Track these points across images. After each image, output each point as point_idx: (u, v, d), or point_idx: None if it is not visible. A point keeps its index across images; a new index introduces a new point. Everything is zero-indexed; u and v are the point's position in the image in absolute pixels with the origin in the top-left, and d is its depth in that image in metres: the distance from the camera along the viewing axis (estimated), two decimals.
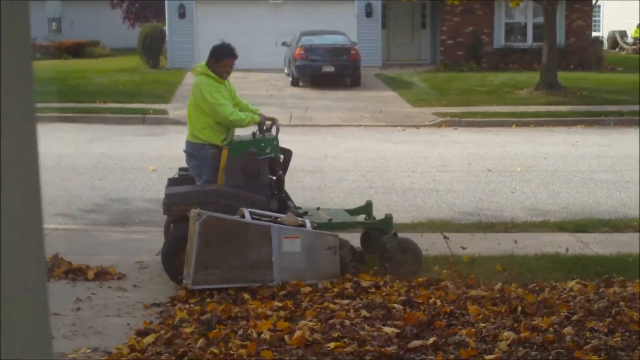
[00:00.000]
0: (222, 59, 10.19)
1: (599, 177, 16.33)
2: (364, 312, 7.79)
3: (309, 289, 8.76)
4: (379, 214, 13.31)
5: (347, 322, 7.48)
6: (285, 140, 20.85)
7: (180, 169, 10.58)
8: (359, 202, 14.17)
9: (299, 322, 7.55)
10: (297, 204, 12.13)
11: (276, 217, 9.36)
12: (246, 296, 8.49)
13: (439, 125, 24.28)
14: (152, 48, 38.92)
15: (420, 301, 8.14)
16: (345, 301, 8.25)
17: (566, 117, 25.14)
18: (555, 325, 7.31)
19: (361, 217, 10.36)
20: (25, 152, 2.06)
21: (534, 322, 7.32)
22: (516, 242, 11.39)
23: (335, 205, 13.74)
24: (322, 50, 32.31)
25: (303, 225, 9.32)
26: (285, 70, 35.04)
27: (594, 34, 43.79)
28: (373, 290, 8.65)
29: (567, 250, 10.74)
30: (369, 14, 39.12)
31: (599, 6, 50.04)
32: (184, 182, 10.17)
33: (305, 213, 10.06)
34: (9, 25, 1.97)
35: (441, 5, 37.85)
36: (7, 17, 1.96)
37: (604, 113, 25.52)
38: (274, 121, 10.40)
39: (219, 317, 7.72)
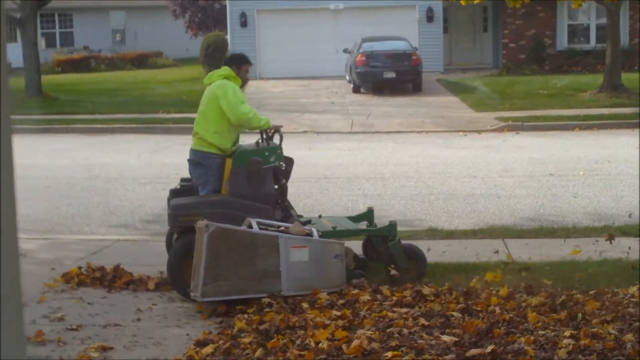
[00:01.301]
0: (242, 64, 10.34)
1: None
2: (422, 321, 7.76)
3: (367, 297, 8.75)
4: (439, 221, 13.32)
5: (405, 331, 7.45)
6: (347, 147, 21.01)
7: (182, 180, 10.51)
8: (420, 209, 14.18)
9: (357, 331, 7.55)
10: (354, 212, 12.16)
11: (282, 227, 9.33)
12: (304, 305, 8.50)
13: (501, 129, 24.15)
14: (214, 57, 39.15)
15: (479, 309, 8.10)
16: (404, 309, 8.22)
17: (630, 119, 24.83)
18: (616, 332, 7.22)
19: (364, 224, 10.39)
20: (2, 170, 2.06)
21: (594, 330, 7.24)
22: (577, 247, 11.27)
23: (396, 212, 13.73)
24: (384, 56, 32.30)
25: (310, 235, 9.29)
26: (347, 77, 35.07)
27: None
28: (432, 298, 8.62)
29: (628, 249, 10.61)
30: (430, 18, 39.02)
31: None
32: (186, 192, 10.13)
33: (309, 222, 10.02)
34: None
35: (503, 8, 37.64)
36: None
37: None
38: (278, 129, 10.36)
39: (277, 327, 7.73)
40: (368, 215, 10.62)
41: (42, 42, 47.41)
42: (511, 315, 7.77)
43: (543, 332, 7.28)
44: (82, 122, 26.35)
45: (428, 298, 8.60)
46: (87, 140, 23.47)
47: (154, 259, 10.97)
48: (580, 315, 7.68)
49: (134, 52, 49.83)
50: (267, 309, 8.41)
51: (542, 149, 20.47)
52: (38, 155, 20.48)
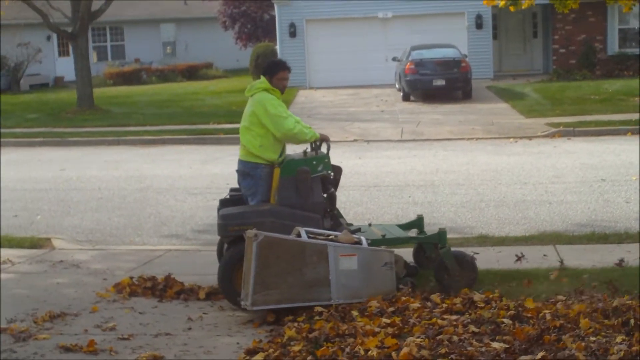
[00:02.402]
0: (277, 72, 10.20)
1: None
2: (472, 328, 7.73)
3: (417, 304, 8.73)
4: (490, 228, 13.27)
5: (455, 338, 7.42)
6: (396, 155, 20.99)
7: (232, 190, 10.51)
8: (471, 216, 14.13)
9: (406, 338, 7.54)
10: (405, 220, 12.13)
11: (331, 235, 9.33)
12: (354, 313, 8.51)
13: (551, 135, 24.00)
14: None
15: (529, 315, 8.05)
16: (454, 317, 8.19)
17: None
18: None
19: (413, 232, 10.35)
20: None
21: None
22: (629, 252, 11.18)
23: (447, 220, 13.71)
24: (433, 64, 32.25)
25: (359, 243, 9.27)
26: (396, 85, 35.06)
27: None
28: (482, 305, 8.59)
29: None
30: (479, 25, 38.89)
31: None
32: (235, 202, 10.14)
33: (358, 230, 10.02)
34: None
35: (552, 13, 37.41)
36: None
37: None
38: (326, 139, 10.31)
39: (327, 335, 7.74)
40: (418, 222, 10.58)
41: (93, 56, 47.89)
42: (562, 322, 7.71)
43: (594, 339, 7.22)
44: (134, 133, 26.55)
45: (478, 305, 8.56)
46: (138, 152, 23.66)
47: (205, 269, 11.04)
48: (632, 321, 7.61)
49: (184, 63, 50.15)
50: (317, 317, 8.43)
51: (594, 154, 20.32)
52: (91, 167, 20.68)
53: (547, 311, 8.09)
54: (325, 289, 8.95)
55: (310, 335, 7.75)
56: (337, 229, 9.73)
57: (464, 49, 36.26)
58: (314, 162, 9.93)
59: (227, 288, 9.46)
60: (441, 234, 9.95)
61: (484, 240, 12.30)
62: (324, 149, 10.31)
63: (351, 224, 10.54)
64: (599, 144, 22.16)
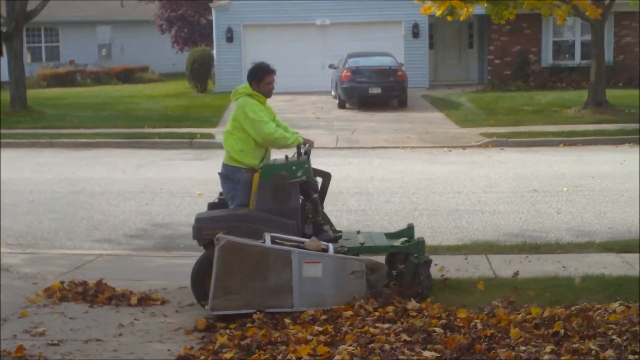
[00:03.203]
0: (264, 76, 10.17)
1: None
2: (404, 336, 7.77)
3: (350, 312, 8.75)
4: (423, 236, 13.28)
5: (387, 347, 7.46)
6: (332, 162, 21.01)
7: (221, 194, 10.58)
8: (404, 225, 14.17)
9: (338, 346, 7.55)
10: (341, 227, 12.13)
11: (300, 242, 9.31)
12: (287, 321, 8.50)
13: (485, 145, 24.21)
14: (200, 72, 39.25)
15: (461, 324, 8.11)
16: (386, 325, 8.23)
17: (614, 135, 24.94)
18: (597, 348, 7.24)
19: (401, 241, 10.20)
20: None
21: (575, 346, 7.26)
22: (561, 264, 11.30)
23: (380, 227, 13.74)
24: (369, 72, 32.35)
25: (325, 250, 9.24)
26: (333, 93, 35.12)
27: None
28: (414, 314, 8.63)
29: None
30: (416, 34, 39.14)
31: None
32: (224, 206, 10.14)
33: (340, 237, 9.99)
34: None
35: (488, 24, 37.76)
36: None
37: None
38: (309, 144, 10.30)
39: (259, 342, 7.74)
40: (408, 231, 10.37)
41: (27, 56, 47.33)
42: (493, 331, 7.78)
43: (524, 348, 7.30)
44: (68, 136, 26.27)
45: (410, 314, 8.60)
46: (72, 155, 23.43)
47: (137, 274, 10.96)
48: (562, 331, 7.70)
49: (120, 66, 49.80)
50: (249, 325, 8.41)
51: (526, 165, 20.53)
52: (23, 170, 20.43)
53: (478, 320, 8.15)
54: (288, 296, 8.92)
55: (243, 343, 7.73)
56: (320, 236, 9.69)
57: (400, 57, 36.48)
58: (294, 168, 9.85)
59: (199, 291, 9.44)
60: (419, 243, 9.86)
61: None
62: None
63: (340, 231, 10.48)
64: (532, 154, 22.40)
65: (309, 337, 7.82)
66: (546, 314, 8.36)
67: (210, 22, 42.73)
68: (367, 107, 32.38)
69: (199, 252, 12.40)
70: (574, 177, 18.40)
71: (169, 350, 8.06)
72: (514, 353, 7.15)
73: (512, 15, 28.36)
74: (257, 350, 7.55)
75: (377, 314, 8.69)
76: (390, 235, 10.44)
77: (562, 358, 7.02)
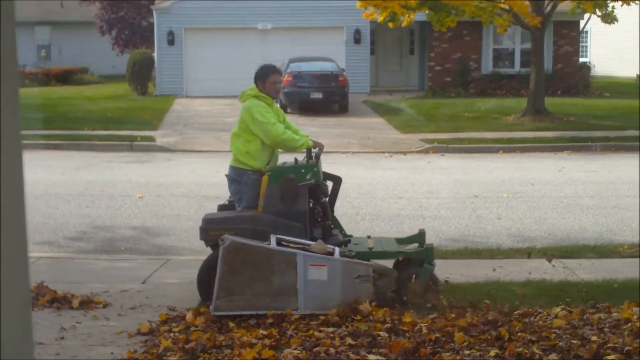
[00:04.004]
0: (269, 75, 10.18)
1: (585, 202, 16.37)
2: (349, 340, 7.78)
3: (297, 316, 8.74)
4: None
5: (332, 350, 7.46)
6: None
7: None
8: (346, 229, 14.16)
9: (283, 350, 7.54)
10: None
11: (306, 245, 9.27)
12: (231, 324, 8.47)
13: (426, 151, 24.34)
14: (141, 75, 39.00)
15: (405, 329, 8.14)
16: (331, 329, 8.24)
17: (553, 142, 25.22)
18: (540, 352, 7.30)
19: (413, 246, 10.04)
20: (12, 182, 2.06)
21: (519, 349, 7.32)
22: (501, 267, 11.39)
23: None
24: (311, 76, 32.39)
25: (331, 254, 9.18)
26: None
27: (581, 59, 43.97)
28: (359, 317, 8.64)
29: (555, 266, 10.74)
30: (357, 40, 39.25)
31: (587, 32, 50.28)
32: (233, 208, 10.11)
33: (348, 241, 9.90)
34: None
35: (429, 31, 37.98)
36: None
37: (590, 139, 25.62)
38: (319, 147, 10.25)
39: (203, 346, 7.70)
40: (419, 237, 10.27)
41: None
42: (437, 335, 7.82)
43: (469, 352, 7.34)
44: None
45: (355, 318, 8.61)
46: None
47: (78, 277, 10.86)
48: (506, 336, 7.76)
49: (59, 67, 49.34)
50: (193, 328, 8.36)
51: (467, 171, 20.67)
52: None
53: (423, 325, 8.19)
54: (292, 298, 8.89)
55: (187, 346, 7.69)
56: (329, 239, 9.63)
57: (342, 63, 36.56)
58: (302, 171, 9.81)
59: (204, 291, 9.44)
60: (428, 250, 9.80)
61: None
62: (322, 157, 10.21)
63: (350, 235, 10.42)
64: (472, 160, 22.57)
65: (254, 341, 7.80)
66: (490, 318, 8.42)
67: (152, 24, 42.48)
68: (308, 111, 32.40)
69: (140, 256, 12.40)
70: (513, 183, 18.57)
71: (112, 353, 7.99)
72: (458, 357, 7.19)
73: (453, 23, 28.57)
74: (201, 354, 7.52)
75: (322, 317, 8.70)
76: (401, 241, 10.32)
77: None
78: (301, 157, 10.26)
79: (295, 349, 7.55)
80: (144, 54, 40.38)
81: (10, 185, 2.05)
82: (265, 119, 9.81)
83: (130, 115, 31.02)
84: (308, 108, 32.60)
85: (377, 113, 32.54)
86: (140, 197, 16.51)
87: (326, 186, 10.19)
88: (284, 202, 9.67)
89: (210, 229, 9.59)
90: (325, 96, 32.36)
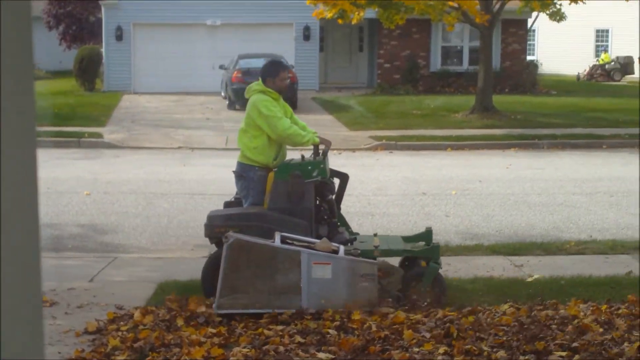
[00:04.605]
0: (279, 72, 10.16)
1: (533, 200, 16.50)
2: (298, 338, 7.77)
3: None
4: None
5: (282, 348, 7.45)
6: (222, 163, 20.92)
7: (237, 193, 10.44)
8: None
9: (233, 348, 7.52)
10: None
11: (310, 243, 9.21)
12: (180, 323, 8.43)
13: (375, 148, 24.39)
14: (89, 70, 38.67)
15: (354, 327, 8.14)
16: (280, 327, 8.23)
17: (501, 140, 25.40)
18: (489, 349, 7.34)
19: (421, 244, 9.99)
20: (25, 177, 2.05)
21: (467, 346, 7.35)
22: (449, 265, 11.44)
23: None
24: (260, 73, 32.23)
25: (336, 252, 9.12)
26: (222, 94, 34.97)
27: (528, 57, 44.34)
28: (308, 316, 8.64)
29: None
30: (306, 37, 39.25)
31: (534, 30, 50.68)
32: (239, 205, 10.07)
33: (354, 239, 9.81)
34: (10, 45, 1.95)
35: (378, 29, 38.06)
36: (8, 37, 1.94)
37: (537, 136, 25.83)
38: (326, 144, 10.17)
39: (152, 345, 7.65)
40: (426, 235, 10.20)
41: None
42: (387, 333, 7.83)
43: (418, 349, 7.37)
44: None
45: (304, 316, 8.61)
46: None
47: None
48: (454, 333, 7.79)
49: None
50: (142, 327, 8.31)
51: (415, 168, 20.75)
52: None
53: (372, 322, 8.20)
54: (295, 297, 8.84)
55: (135, 345, 7.64)
56: (335, 237, 9.55)
57: (291, 59, 36.48)
58: (309, 168, 9.70)
59: (208, 289, 9.37)
60: (434, 248, 9.74)
61: None
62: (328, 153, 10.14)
63: (357, 233, 10.34)
64: (420, 158, 22.66)
65: (203, 339, 7.77)
66: (438, 315, 8.46)
67: (100, 19, 42.19)
68: None
69: (87, 254, 12.30)
70: (462, 180, 18.66)
71: (59, 352, 7.92)
72: (407, 354, 7.21)
73: (402, 20, 28.64)
74: (150, 353, 7.47)
75: (271, 316, 8.68)
76: (408, 239, 10.23)
77: (455, 359, 7.10)
78: (307, 153, 10.23)
79: (244, 347, 7.54)
80: (92, 49, 40.06)
81: (24, 183, 2.04)
82: (271, 113, 9.77)
83: (78, 111, 30.77)
84: None
85: (326, 110, 32.55)
86: (88, 194, 16.39)
87: (333, 183, 10.13)
88: (290, 199, 9.58)
89: (215, 226, 9.52)
90: None
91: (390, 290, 9.33)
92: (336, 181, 10.38)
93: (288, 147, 10.27)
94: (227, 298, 8.72)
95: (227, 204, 10.28)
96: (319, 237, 9.52)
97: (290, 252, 8.94)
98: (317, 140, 9.98)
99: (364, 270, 9.08)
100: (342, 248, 9.21)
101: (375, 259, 9.45)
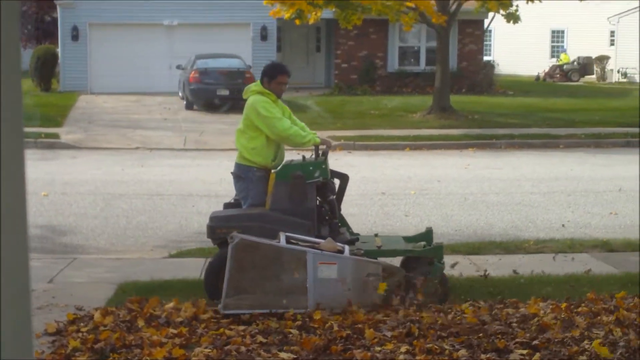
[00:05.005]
0: (277, 75, 10.11)
1: (491, 199, 16.59)
2: (260, 338, 7.75)
3: (208, 315, 8.68)
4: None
5: (243, 349, 7.43)
6: (180, 164, 20.87)
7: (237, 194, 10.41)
8: None
9: (194, 349, 7.49)
10: (191, 230, 12.04)
11: (315, 243, 9.18)
12: (141, 323, 8.37)
13: (333, 148, 24.37)
14: (44, 71, 38.37)
15: (316, 326, 8.14)
16: (242, 327, 8.20)
17: (459, 140, 25.53)
18: (450, 348, 7.37)
19: (420, 245, 9.96)
20: (13, 177, 2.03)
21: (429, 345, 7.38)
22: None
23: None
24: (217, 73, 32.26)
25: (341, 252, 9.09)
26: (180, 94, 34.89)
27: (485, 58, 44.59)
28: (270, 316, 8.63)
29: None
30: (264, 37, 39.23)
31: (490, 31, 50.99)
32: (239, 206, 10.03)
33: (357, 239, 9.78)
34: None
35: (336, 29, 38.12)
36: None
37: (495, 136, 25.98)
38: (327, 144, 10.20)
39: (113, 346, 7.59)
40: (426, 235, 10.21)
41: None
42: (349, 332, 7.84)
43: (380, 348, 7.38)
44: None
45: (266, 315, 8.60)
46: None
47: None
48: (416, 332, 7.82)
49: None
50: (102, 328, 8.25)
51: (374, 168, 20.79)
52: None
53: (334, 321, 8.21)
54: (302, 297, 8.79)
55: (96, 346, 7.58)
56: (337, 238, 9.50)
57: (248, 59, 36.50)
58: (310, 168, 9.68)
59: (211, 290, 9.34)
60: (437, 248, 9.71)
61: None
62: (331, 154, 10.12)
63: (357, 234, 10.30)
64: (379, 158, 22.71)
65: (164, 340, 7.72)
66: (400, 314, 8.48)
67: (55, 19, 41.93)
68: (215, 108, 32.26)
69: (45, 255, 12.19)
70: (420, 180, 18.72)
71: None
72: (369, 353, 7.22)
73: (359, 21, 28.69)
74: (111, 354, 7.42)
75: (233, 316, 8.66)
76: (409, 239, 10.23)
77: (417, 358, 7.12)
78: (308, 154, 10.22)
79: (206, 347, 7.51)
80: (48, 49, 39.77)
81: (12, 184, 2.02)
82: (270, 114, 9.75)
83: (34, 111, 30.52)
84: (214, 105, 32.46)
85: None
86: (45, 195, 16.27)
87: (333, 184, 10.12)
88: (292, 200, 9.56)
89: (218, 227, 9.50)
90: (232, 93, 32.22)
91: (393, 290, 9.28)
92: (336, 182, 10.37)
93: (286, 147, 10.26)
94: (233, 298, 8.70)
95: (227, 206, 10.26)
96: (320, 237, 9.48)
97: (296, 252, 8.92)
98: (318, 140, 10.00)
99: (369, 270, 9.07)
100: (347, 248, 9.22)
101: (376, 259, 9.46)
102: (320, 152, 10.05)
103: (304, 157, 9.98)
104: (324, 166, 9.80)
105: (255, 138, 9.84)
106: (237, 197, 10.16)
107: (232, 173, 10.16)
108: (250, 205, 9.84)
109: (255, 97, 9.96)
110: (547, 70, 51.10)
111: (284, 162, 9.93)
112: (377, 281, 9.03)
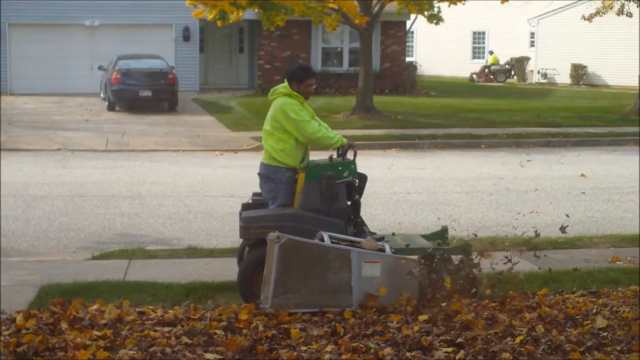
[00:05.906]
0: (306, 78, 10.06)
1: (415, 199, 16.70)
2: (185, 339, 7.72)
3: (132, 317, 8.61)
4: (198, 239, 13.31)
5: (169, 350, 7.40)
6: (102, 165, 20.70)
7: (254, 194, 10.40)
8: (178, 228, 14.13)
9: (119, 351, 7.43)
10: (115, 231, 11.95)
11: (355, 242, 9.19)
12: (64, 326, 8.28)
13: (257, 149, 24.35)
14: None
15: (241, 326, 8.14)
16: (167, 328, 8.16)
17: (382, 140, 25.66)
18: (375, 346, 7.41)
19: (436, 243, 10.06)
20: None
21: (354, 344, 7.41)
22: None
23: (154, 231, 13.61)
24: (139, 74, 32.06)
25: (382, 250, 9.13)
26: (102, 95, 34.60)
27: (408, 59, 44.87)
28: (195, 316, 8.59)
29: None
30: (186, 38, 39.08)
31: (413, 32, 51.35)
32: (258, 207, 10.01)
33: (382, 238, 9.81)
34: None
35: (259, 30, 38.06)
36: None
37: (418, 136, 26.17)
38: (353, 145, 10.18)
39: (36, 349, 7.50)
40: (441, 234, 10.31)
41: None
42: (274, 332, 7.85)
43: (305, 348, 7.40)
44: None
45: (191, 316, 8.56)
46: None
47: None
48: (341, 331, 7.85)
49: None
50: (25, 331, 8.14)
51: None
52: None
53: (259, 322, 8.21)
54: (346, 295, 8.82)
55: (19, 350, 7.47)
56: (361, 237, 9.51)
57: (171, 60, 36.35)
58: (340, 168, 9.77)
59: (247, 290, 9.36)
60: (466, 246, 9.77)
61: (193, 252, 12.33)
62: (350, 156, 10.09)
63: (374, 233, 10.29)
64: None
65: (88, 342, 7.65)
66: (328, 314, 8.53)
67: None
68: (137, 109, 32.05)
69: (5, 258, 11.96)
70: None
71: None
72: (295, 353, 7.24)
73: (282, 22, 28.70)
74: (34, 357, 7.32)
75: (156, 316, 8.61)
76: (426, 237, 10.31)
77: (342, 357, 7.15)
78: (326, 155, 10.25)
79: (130, 349, 7.45)
80: None
81: None
82: (300, 117, 9.78)
83: None
84: (137, 106, 32.26)
85: (207, 111, 32.45)
86: None
87: (357, 184, 10.15)
88: (323, 200, 9.62)
89: (251, 228, 9.50)
90: (154, 94, 32.13)
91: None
92: None
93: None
94: (280, 298, 8.72)
95: (245, 207, 10.22)
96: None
97: (341, 251, 8.95)
98: (345, 141, 10.07)
99: (409, 268, 9.11)
100: (387, 246, 9.27)
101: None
102: (345, 151, 10.14)
103: (331, 157, 10.05)
104: (352, 166, 9.96)
105: (285, 140, 9.87)
106: (264, 198, 10.12)
107: (259, 174, 10.15)
108: (279, 206, 9.87)
109: (283, 99, 9.99)
110: (477, 71, 51.74)
111: (312, 163, 9.99)
112: (415, 278, 9.05)
